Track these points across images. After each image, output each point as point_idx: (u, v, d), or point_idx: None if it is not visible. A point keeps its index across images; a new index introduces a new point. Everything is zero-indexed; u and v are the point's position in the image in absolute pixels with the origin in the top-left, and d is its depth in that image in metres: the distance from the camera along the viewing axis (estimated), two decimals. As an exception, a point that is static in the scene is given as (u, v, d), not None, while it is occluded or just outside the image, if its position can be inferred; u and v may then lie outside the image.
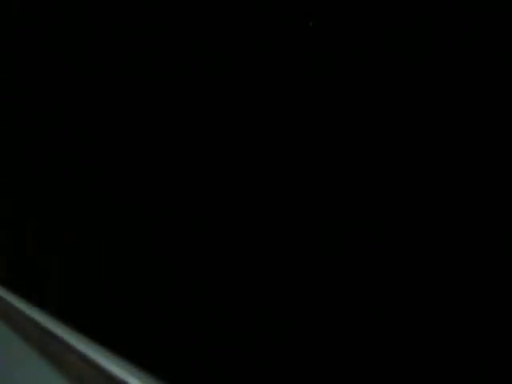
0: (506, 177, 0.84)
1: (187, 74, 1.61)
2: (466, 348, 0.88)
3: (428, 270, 0.95)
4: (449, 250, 0.92)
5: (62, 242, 2.61)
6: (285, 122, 1.25)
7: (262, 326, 1.31)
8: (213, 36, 1.48)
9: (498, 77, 0.85)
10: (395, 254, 1.00)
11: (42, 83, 2.84)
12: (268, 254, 1.30)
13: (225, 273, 1.46)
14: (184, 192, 1.65)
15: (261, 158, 1.32)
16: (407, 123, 0.99)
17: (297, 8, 1.17)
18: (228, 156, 1.45)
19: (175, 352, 1.69)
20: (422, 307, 0.95)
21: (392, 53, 1.01)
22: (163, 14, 1.71)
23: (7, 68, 3.27)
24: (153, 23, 1.78)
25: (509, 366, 0.83)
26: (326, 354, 1.13)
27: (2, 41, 3.26)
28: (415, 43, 0.97)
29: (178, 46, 1.64)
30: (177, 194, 1.69)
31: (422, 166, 0.96)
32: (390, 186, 1.02)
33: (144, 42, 1.84)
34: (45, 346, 2.56)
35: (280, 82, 1.25)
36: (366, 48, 1.05)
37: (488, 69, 0.87)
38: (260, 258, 1.33)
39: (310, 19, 1.11)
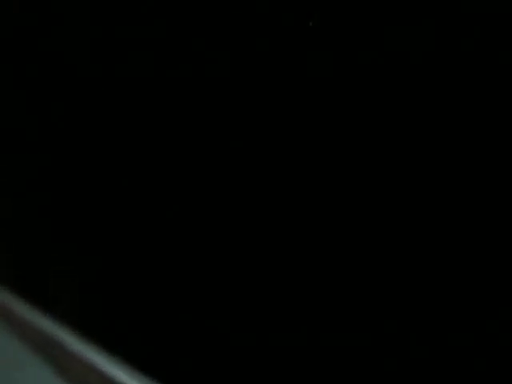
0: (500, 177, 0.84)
1: (185, 74, 1.61)
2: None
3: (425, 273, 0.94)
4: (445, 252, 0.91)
5: (63, 245, 2.61)
6: (283, 122, 1.24)
7: (264, 328, 1.31)
8: (212, 35, 1.48)
9: (498, 77, 0.85)
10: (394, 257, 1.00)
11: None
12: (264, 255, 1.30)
13: (224, 274, 1.46)
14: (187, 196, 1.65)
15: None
16: (407, 124, 0.98)
17: (297, 8, 1.17)
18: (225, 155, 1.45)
19: (179, 358, 1.69)
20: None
21: (392, 53, 1.00)
22: (161, 14, 1.71)
23: None
24: (150, 22, 1.77)
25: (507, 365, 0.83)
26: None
27: None
28: (415, 43, 0.96)
29: (176, 45, 1.64)
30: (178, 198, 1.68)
31: (423, 166, 0.96)
32: (389, 186, 1.01)
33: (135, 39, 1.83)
34: (48, 351, 2.56)
35: (279, 82, 1.24)
36: (366, 48, 1.04)
37: (488, 69, 0.86)
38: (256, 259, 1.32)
39: (310, 19, 1.11)
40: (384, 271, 1.02)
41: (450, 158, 0.92)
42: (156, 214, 1.81)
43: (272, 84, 1.27)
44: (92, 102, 2.26)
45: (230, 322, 1.44)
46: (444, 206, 0.93)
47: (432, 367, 0.94)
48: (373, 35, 1.03)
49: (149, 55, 1.81)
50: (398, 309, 0.99)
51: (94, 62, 2.21)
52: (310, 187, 1.18)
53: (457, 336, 0.90)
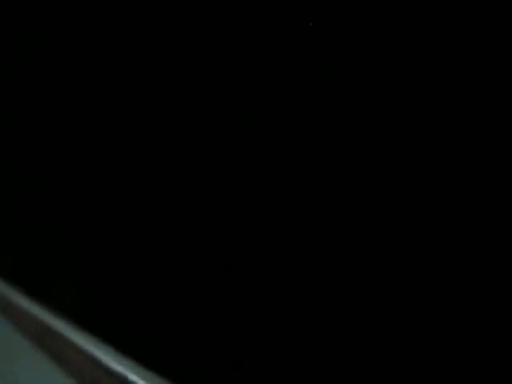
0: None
1: (185, 74, 1.61)
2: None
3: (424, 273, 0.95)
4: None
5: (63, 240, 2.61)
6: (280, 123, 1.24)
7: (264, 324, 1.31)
8: (211, 35, 1.48)
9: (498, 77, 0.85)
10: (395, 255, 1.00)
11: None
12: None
13: (226, 271, 1.46)
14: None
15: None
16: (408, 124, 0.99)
17: (297, 8, 1.17)
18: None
19: (176, 349, 1.69)
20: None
21: (391, 53, 1.00)
22: (163, 12, 1.70)
23: None
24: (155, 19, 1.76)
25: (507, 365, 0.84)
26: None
27: None
28: (417, 45, 0.96)
29: (176, 44, 1.64)
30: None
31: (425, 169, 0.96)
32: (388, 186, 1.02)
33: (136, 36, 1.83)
34: (45, 341, 2.57)
35: (279, 82, 1.24)
36: (365, 48, 1.04)
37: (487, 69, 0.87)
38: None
39: (310, 19, 1.11)
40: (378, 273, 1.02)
41: (447, 159, 0.93)
42: (153, 206, 1.81)
43: (271, 83, 1.27)
44: (86, 102, 2.26)
45: (219, 312, 1.45)
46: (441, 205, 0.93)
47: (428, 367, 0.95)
48: (372, 35, 1.03)
49: (148, 56, 1.81)
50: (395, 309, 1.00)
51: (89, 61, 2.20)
52: (307, 186, 1.18)
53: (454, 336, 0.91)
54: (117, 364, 1.91)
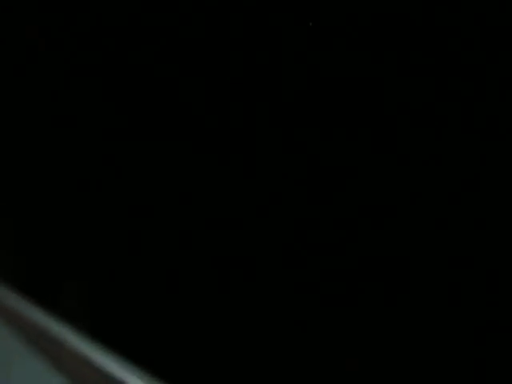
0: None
1: (183, 73, 1.61)
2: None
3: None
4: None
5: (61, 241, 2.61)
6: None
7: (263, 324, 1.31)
8: (210, 33, 1.48)
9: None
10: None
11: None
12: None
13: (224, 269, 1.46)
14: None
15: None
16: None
17: (297, 8, 1.17)
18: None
19: (175, 353, 1.69)
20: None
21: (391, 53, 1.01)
22: (164, 7, 1.71)
23: None
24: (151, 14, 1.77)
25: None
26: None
27: None
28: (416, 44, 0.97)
29: (173, 44, 1.64)
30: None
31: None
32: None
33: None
34: (43, 345, 2.56)
35: (279, 81, 1.25)
36: (365, 48, 1.05)
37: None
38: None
39: (310, 19, 1.11)
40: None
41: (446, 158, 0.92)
42: (153, 211, 1.81)
43: (271, 84, 1.27)
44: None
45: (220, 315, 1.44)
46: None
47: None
48: (372, 35, 1.04)
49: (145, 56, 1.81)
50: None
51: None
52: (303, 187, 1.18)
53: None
54: (115, 367, 1.91)
